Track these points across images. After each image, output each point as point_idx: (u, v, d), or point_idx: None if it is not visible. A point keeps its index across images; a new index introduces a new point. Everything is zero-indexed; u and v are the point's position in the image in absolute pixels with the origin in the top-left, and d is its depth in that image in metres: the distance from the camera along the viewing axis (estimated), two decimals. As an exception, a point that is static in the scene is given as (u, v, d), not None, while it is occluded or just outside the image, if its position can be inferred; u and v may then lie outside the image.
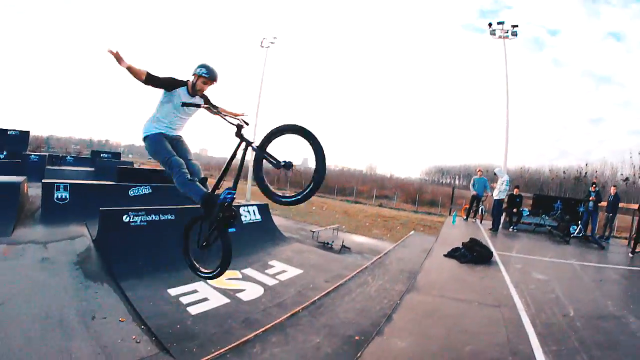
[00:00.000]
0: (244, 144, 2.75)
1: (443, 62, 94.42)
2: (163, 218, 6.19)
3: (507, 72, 13.79)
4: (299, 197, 2.50)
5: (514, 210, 9.63)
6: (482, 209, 10.69)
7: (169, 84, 2.83)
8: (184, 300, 4.61)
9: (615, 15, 55.04)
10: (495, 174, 9.81)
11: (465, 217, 10.82)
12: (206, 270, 3.00)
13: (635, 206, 9.10)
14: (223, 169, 2.90)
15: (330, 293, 4.85)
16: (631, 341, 2.93)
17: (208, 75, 2.85)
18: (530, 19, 62.48)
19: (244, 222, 8.08)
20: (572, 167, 43.09)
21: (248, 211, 8.59)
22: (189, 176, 2.77)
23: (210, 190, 2.83)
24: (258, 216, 8.83)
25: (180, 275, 4.87)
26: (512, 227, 9.54)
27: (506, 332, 3.03)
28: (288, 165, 2.53)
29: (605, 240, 9.10)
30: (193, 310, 4.38)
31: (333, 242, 10.64)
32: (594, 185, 9.70)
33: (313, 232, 11.79)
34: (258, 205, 9.11)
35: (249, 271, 6.11)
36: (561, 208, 10.05)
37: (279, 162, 2.54)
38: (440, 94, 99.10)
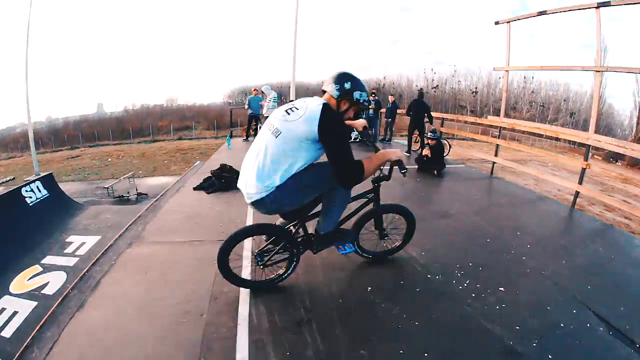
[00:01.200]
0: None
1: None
2: None
3: None
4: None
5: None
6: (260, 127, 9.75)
7: None
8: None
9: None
10: (262, 92, 9.64)
11: (245, 137, 10.62)
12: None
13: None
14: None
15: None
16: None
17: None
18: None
19: (30, 205, 6.89)
20: (372, 79, 52.04)
21: (32, 190, 7.22)
22: None
23: None
24: (45, 192, 7.54)
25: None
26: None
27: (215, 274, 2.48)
28: None
29: (387, 141, 10.30)
30: (7, 332, 3.68)
31: (129, 192, 10.27)
32: (373, 95, 10.30)
33: (106, 188, 11.14)
34: (42, 179, 7.70)
35: (48, 259, 5.22)
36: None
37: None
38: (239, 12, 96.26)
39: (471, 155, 13.82)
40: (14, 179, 21.67)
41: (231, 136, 11.07)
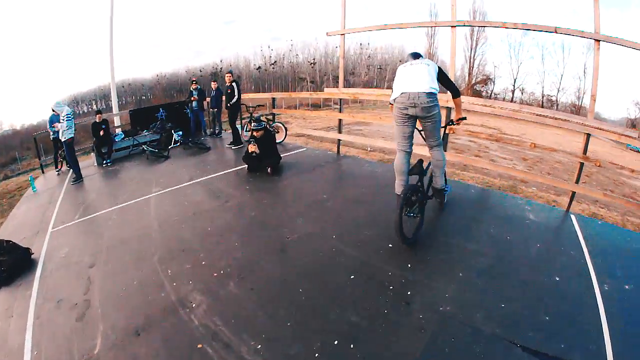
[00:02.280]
0: None
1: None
2: None
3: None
4: None
5: (101, 139, 7.26)
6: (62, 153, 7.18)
7: None
8: None
9: None
10: (53, 110, 6.43)
11: (57, 170, 7.62)
12: None
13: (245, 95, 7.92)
14: None
15: None
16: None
17: None
18: None
19: None
20: (208, 64, 48.84)
21: None
22: None
23: None
24: None
25: None
26: (104, 162, 7.23)
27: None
28: None
29: (218, 135, 8.63)
30: None
31: None
32: (194, 83, 8.86)
33: None
34: None
35: None
36: (164, 117, 8.70)
37: None
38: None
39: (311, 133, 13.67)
40: None
41: (43, 170, 7.86)
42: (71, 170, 6.53)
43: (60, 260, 3.53)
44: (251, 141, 5.07)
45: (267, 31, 70.76)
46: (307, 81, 50.01)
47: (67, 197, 5.59)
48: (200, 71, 46.46)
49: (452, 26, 4.32)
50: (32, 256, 3.63)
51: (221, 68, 44.86)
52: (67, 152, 6.27)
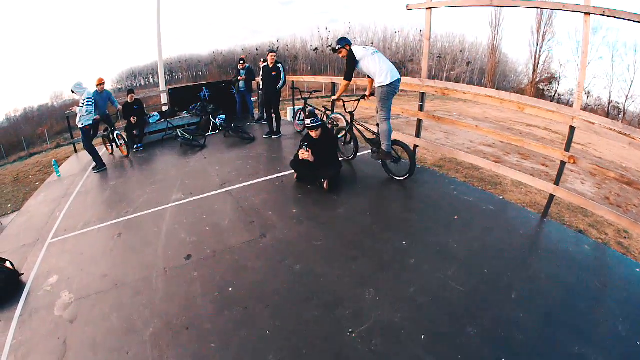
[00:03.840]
0: None
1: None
2: None
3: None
4: None
5: (133, 123, 6.26)
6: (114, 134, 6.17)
7: None
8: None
9: None
10: (72, 91, 5.42)
11: (111, 151, 6.45)
12: None
13: (291, 77, 6.92)
14: None
15: None
16: None
17: None
18: None
19: None
20: (264, 43, 47.44)
21: None
22: None
23: None
24: None
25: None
26: (135, 146, 6.28)
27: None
28: None
29: (265, 121, 6.54)
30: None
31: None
32: (242, 62, 7.55)
33: None
34: None
35: None
36: (207, 97, 7.66)
37: None
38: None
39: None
40: None
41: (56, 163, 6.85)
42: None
43: (44, 295, 2.70)
44: (304, 145, 3.66)
45: (324, 13, 68.77)
46: (363, 66, 47.74)
47: (81, 193, 4.77)
48: (257, 50, 45.56)
49: (585, 13, 2.67)
50: (22, 276, 3.01)
51: (277, 47, 43.50)
52: (83, 139, 5.40)
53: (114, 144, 6.14)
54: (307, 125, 3.70)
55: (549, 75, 36.99)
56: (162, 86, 10.49)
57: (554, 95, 35.50)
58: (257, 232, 3.01)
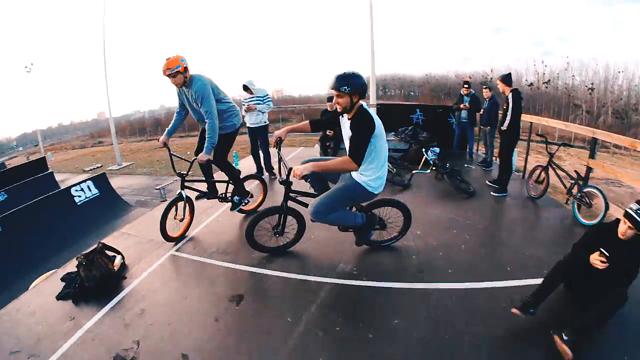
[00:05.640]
0: None
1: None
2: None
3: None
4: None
5: (328, 135, 5.75)
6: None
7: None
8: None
9: None
10: (247, 87, 5.03)
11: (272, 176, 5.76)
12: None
13: (530, 117, 5.20)
14: None
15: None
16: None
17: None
18: None
19: (78, 203, 7.75)
20: (477, 72, 43.94)
21: (82, 189, 8.03)
22: None
23: None
24: (95, 191, 8.23)
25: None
26: None
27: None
28: None
29: (489, 167, 5.61)
30: None
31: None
32: (466, 87, 6.03)
33: (158, 188, 10.24)
34: (94, 179, 8.64)
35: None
36: (420, 121, 6.38)
37: None
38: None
39: None
40: (100, 166, 21.83)
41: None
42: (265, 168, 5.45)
43: (132, 314, 2.47)
44: (602, 251, 1.99)
45: (539, 44, 60.83)
46: (582, 110, 37.58)
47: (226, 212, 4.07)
48: (470, 78, 44.25)
49: None
50: (124, 280, 2.90)
51: (491, 78, 39.50)
52: (261, 142, 5.22)
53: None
54: (629, 214, 1.95)
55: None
56: (372, 99, 10.49)
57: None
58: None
